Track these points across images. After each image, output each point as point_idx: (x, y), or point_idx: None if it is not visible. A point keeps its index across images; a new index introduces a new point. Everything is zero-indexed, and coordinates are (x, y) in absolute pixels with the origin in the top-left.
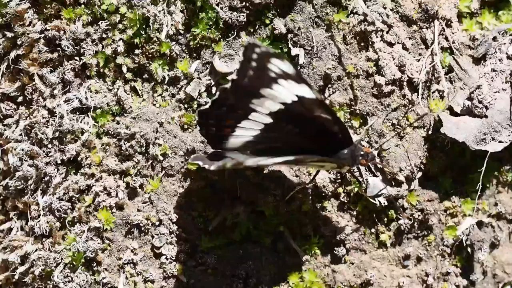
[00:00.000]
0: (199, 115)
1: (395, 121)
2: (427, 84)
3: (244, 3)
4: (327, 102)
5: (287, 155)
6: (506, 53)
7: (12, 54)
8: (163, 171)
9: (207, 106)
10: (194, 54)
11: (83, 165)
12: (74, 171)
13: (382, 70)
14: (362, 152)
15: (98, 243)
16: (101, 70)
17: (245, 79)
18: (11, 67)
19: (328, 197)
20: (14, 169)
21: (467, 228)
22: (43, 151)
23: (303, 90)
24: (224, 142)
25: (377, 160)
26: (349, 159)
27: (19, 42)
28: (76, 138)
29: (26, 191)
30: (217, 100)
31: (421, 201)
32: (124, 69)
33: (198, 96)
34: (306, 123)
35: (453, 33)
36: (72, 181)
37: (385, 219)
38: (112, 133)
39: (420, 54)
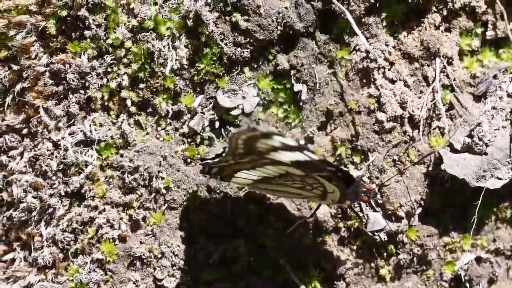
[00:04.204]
0: (202, 165)
1: (396, 157)
2: (428, 121)
3: (248, 39)
4: (329, 138)
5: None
6: (507, 91)
7: (18, 87)
8: (166, 204)
9: (209, 158)
10: (198, 89)
11: (86, 197)
12: (77, 203)
13: (384, 107)
14: (364, 189)
15: (101, 275)
16: (106, 103)
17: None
18: (17, 100)
19: (329, 231)
20: (18, 200)
21: (465, 264)
22: (47, 183)
23: (297, 155)
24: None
25: (378, 196)
26: (351, 195)
27: (24, 75)
28: (80, 170)
29: (29, 222)
30: (220, 155)
31: (420, 237)
32: (129, 102)
33: (202, 130)
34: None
35: (454, 71)
36: (75, 213)
37: (385, 254)
38: (116, 166)
39: (421, 91)
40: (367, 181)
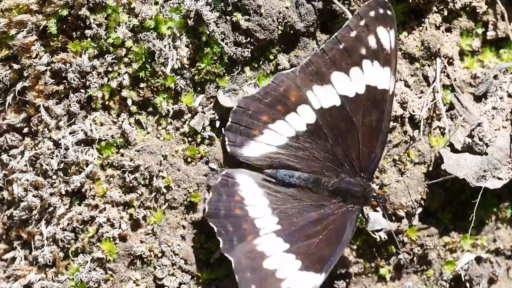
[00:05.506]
0: (241, 101)
1: (396, 157)
2: (428, 121)
3: (249, 38)
4: None
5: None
6: (507, 91)
7: (19, 86)
8: (166, 203)
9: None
10: (199, 88)
11: (87, 196)
12: (78, 202)
13: None
14: (374, 194)
15: (101, 274)
16: (106, 102)
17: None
18: (17, 99)
19: None
20: (19, 199)
21: (466, 263)
22: (48, 182)
23: (382, 76)
24: (244, 147)
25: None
26: (360, 199)
27: (25, 74)
28: (80, 169)
29: (30, 221)
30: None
31: (420, 236)
32: (129, 102)
33: (202, 130)
34: (345, 131)
35: (454, 71)
36: (76, 212)
37: (385, 254)
38: (116, 165)
39: (422, 91)
40: (376, 187)
